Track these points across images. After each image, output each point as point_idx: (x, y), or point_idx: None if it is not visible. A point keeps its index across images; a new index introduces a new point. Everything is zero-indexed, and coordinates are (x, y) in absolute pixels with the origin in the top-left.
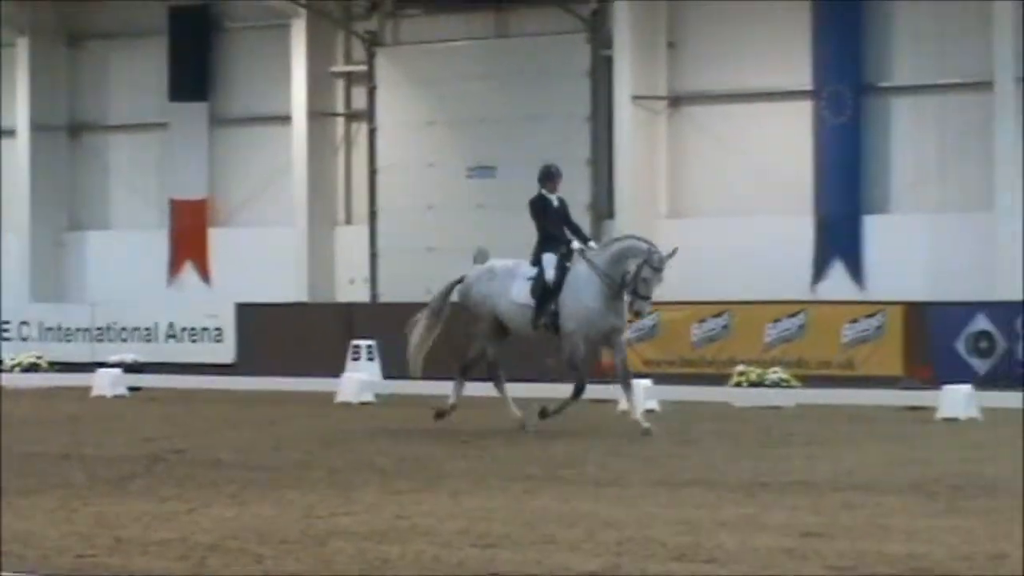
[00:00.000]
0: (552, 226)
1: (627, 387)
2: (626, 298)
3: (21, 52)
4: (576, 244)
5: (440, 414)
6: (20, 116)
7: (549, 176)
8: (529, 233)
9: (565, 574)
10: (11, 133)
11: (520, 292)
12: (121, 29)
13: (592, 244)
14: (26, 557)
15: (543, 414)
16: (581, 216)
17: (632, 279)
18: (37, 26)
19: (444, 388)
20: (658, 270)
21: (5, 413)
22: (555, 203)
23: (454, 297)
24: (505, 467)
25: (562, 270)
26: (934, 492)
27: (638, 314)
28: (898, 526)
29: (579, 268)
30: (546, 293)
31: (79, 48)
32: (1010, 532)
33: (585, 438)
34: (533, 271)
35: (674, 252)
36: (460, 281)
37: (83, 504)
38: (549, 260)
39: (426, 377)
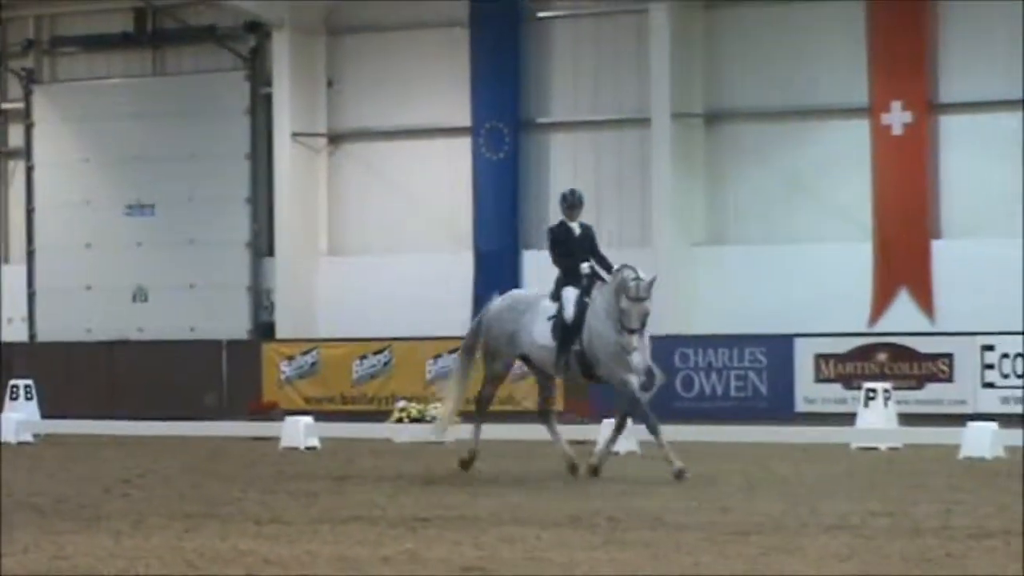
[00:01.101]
0: (571, 256)
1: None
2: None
3: None
4: (586, 268)
5: (465, 463)
6: None
7: (567, 202)
8: (190, 269)
9: None
10: None
11: (542, 333)
12: None
13: None
14: None
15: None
16: (240, 254)
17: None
18: None
19: (101, 427)
20: (637, 300)
21: None
22: (576, 231)
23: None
24: (163, 506)
25: (582, 307)
26: (593, 524)
27: (624, 349)
28: (557, 559)
29: (596, 303)
30: (566, 333)
31: None
32: (666, 562)
33: (244, 476)
34: (553, 308)
35: (654, 280)
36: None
37: None
38: (569, 296)
39: (87, 416)
